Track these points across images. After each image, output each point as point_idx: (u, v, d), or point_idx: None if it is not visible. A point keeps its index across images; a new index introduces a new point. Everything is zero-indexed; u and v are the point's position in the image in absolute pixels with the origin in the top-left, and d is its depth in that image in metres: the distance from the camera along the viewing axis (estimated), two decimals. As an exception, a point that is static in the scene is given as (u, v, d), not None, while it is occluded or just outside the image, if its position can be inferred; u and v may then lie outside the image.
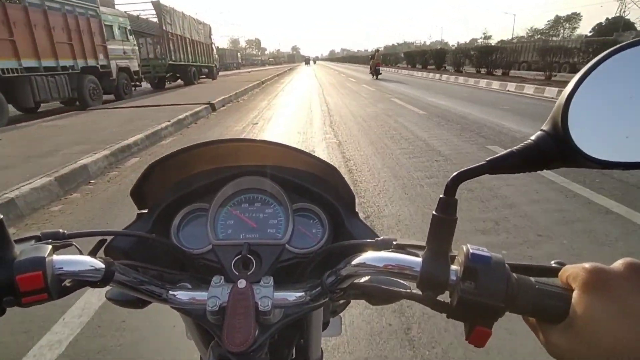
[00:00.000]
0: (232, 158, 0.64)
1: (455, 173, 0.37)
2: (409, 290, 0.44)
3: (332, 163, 0.62)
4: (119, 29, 12.06)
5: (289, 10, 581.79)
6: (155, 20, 15.58)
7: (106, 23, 11.19)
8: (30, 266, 0.37)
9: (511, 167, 0.36)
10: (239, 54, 68.75)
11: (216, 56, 24.87)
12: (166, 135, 6.40)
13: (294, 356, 0.66)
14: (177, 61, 16.69)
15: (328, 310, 0.72)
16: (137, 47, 13.66)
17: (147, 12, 15.82)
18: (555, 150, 0.34)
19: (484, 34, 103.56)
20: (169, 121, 6.76)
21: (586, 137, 0.32)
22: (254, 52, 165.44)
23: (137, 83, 13.57)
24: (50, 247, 0.41)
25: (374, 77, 21.63)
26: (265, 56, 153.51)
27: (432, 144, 5.39)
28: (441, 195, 0.38)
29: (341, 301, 0.72)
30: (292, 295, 0.49)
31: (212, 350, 0.49)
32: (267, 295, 0.47)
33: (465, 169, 0.37)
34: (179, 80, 18.56)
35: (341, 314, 0.80)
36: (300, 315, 0.49)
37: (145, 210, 0.61)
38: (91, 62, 10.39)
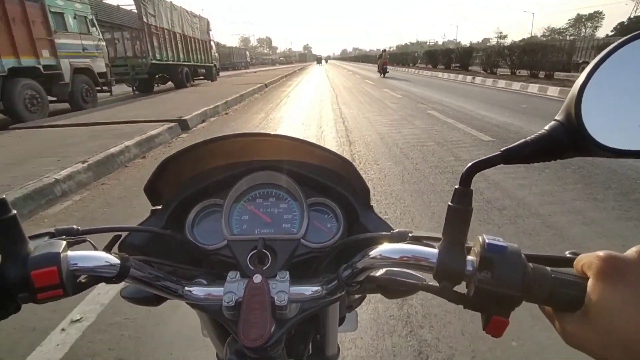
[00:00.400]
0: (245, 153, 0.64)
1: (470, 163, 0.38)
2: (425, 282, 0.45)
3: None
4: (74, 18, 9.32)
5: (301, 9, 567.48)
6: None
7: (53, 9, 8.55)
8: (44, 262, 0.37)
9: (525, 157, 0.37)
10: (247, 52, 63.04)
11: (216, 55, 22.07)
12: (54, 200, 3.43)
13: (310, 352, 0.69)
14: (163, 60, 14.09)
15: (344, 305, 0.71)
16: (103, 43, 10.96)
17: (132, 5, 13.17)
18: (569, 140, 0.34)
19: (499, 33, 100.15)
20: (85, 162, 4.05)
21: (599, 126, 0.33)
22: (265, 51, 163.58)
23: (105, 87, 10.92)
24: (64, 242, 0.41)
25: (382, 75, 22.59)
26: (276, 55, 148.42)
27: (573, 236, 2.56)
28: (456, 186, 0.38)
29: (357, 296, 0.72)
30: (309, 290, 0.49)
31: (229, 346, 0.51)
32: (284, 289, 0.47)
33: (480, 159, 0.38)
34: (171, 83, 16.09)
35: (357, 309, 0.78)
36: (317, 310, 0.50)
37: (159, 207, 0.61)
38: (27, 60, 7.79)
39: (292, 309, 0.48)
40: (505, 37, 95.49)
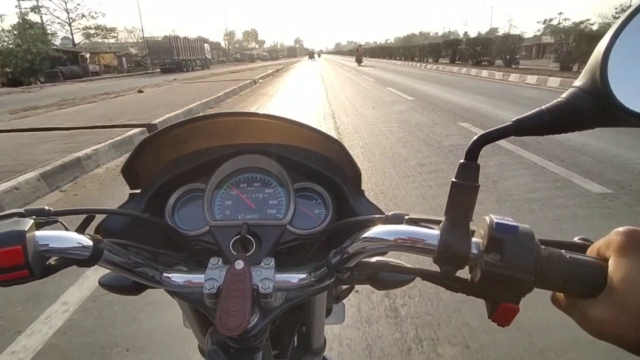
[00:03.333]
0: (229, 135, 0.63)
1: (477, 135, 0.36)
2: (422, 268, 0.43)
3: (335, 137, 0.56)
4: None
5: (291, 1, 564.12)
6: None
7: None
8: (8, 240, 0.37)
9: (540, 128, 0.35)
10: (206, 46, 44.27)
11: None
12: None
13: (295, 344, 0.70)
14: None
15: (331, 296, 0.70)
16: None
17: None
18: (592, 107, 0.33)
19: (509, 21, 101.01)
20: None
21: (628, 91, 0.31)
22: (252, 45, 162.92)
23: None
24: (31, 221, 0.40)
25: (358, 64, 31.71)
26: (259, 50, 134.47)
27: None
28: (461, 160, 0.37)
29: (344, 287, 0.73)
30: (295, 277, 0.48)
31: (210, 336, 0.50)
32: (268, 277, 0.47)
33: (489, 130, 0.36)
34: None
35: (344, 301, 0.79)
36: (304, 299, 0.50)
37: (138, 191, 0.61)
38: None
39: (278, 297, 0.48)
40: (515, 27, 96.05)
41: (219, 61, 65.31)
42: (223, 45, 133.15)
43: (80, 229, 0.47)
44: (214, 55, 65.92)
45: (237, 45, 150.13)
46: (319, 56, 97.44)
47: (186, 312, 0.62)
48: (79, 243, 0.42)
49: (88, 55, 37.35)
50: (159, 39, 37.56)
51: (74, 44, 45.28)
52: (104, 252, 0.43)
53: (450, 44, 29.47)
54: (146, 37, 41.79)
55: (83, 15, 47.04)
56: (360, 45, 37.08)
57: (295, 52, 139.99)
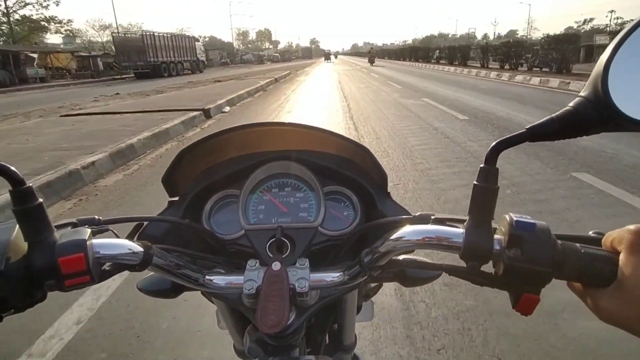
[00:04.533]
0: (260, 143, 0.67)
1: (495, 142, 0.40)
2: (449, 264, 0.46)
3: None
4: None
5: (307, 2, 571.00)
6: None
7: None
8: (72, 248, 0.40)
9: (551, 134, 0.39)
10: (199, 44, 36.87)
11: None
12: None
13: (327, 341, 0.75)
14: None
15: (361, 294, 0.72)
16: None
17: None
18: (596, 115, 0.36)
19: (530, 23, 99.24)
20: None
21: (628, 99, 0.35)
22: (266, 46, 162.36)
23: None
24: (89, 231, 0.43)
25: (371, 64, 36.12)
26: (270, 51, 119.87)
27: None
28: (481, 165, 0.41)
29: (373, 285, 0.77)
30: (329, 276, 0.51)
31: (249, 334, 0.55)
32: (304, 276, 0.50)
33: (505, 137, 0.39)
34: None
35: (372, 299, 0.82)
36: (337, 297, 0.52)
37: (176, 198, 0.65)
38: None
39: (312, 296, 0.50)
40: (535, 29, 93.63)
41: (221, 63, 57.81)
42: (235, 45, 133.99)
43: (130, 236, 0.53)
44: (216, 56, 57.82)
45: (250, 45, 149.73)
46: (336, 57, 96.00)
47: (223, 313, 0.64)
48: (130, 249, 0.45)
49: (36, 56, 28.21)
50: (130, 36, 29.94)
51: (14, 41, 36.76)
52: (153, 258, 0.46)
53: (476, 46, 28.86)
54: (113, 34, 32.83)
55: (25, 4, 39.09)
56: (371, 48, 44.53)
57: (311, 53, 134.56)
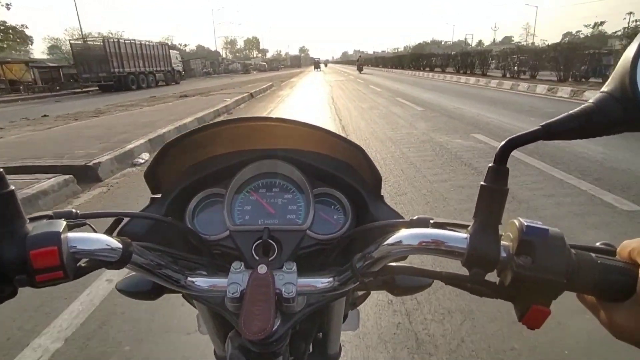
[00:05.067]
0: (248, 141, 0.65)
1: (506, 139, 0.37)
2: (447, 271, 0.44)
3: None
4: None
5: (297, 10, 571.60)
6: None
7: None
8: (44, 241, 0.38)
9: (568, 132, 0.36)
10: (174, 53, 33.15)
11: None
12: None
13: (311, 350, 0.71)
14: None
15: (348, 302, 0.70)
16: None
17: None
18: (620, 113, 0.34)
19: (526, 28, 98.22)
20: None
21: None
22: (254, 54, 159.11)
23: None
24: (64, 223, 0.41)
25: (359, 71, 37.48)
26: (257, 59, 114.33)
27: None
28: (490, 164, 0.38)
29: (360, 293, 0.74)
30: (318, 282, 0.49)
31: (231, 340, 0.53)
32: (291, 281, 0.48)
33: (517, 135, 0.37)
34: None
35: (359, 308, 0.80)
36: (324, 304, 0.51)
37: (159, 195, 0.63)
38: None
39: (299, 302, 0.49)
40: (534, 35, 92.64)
41: (204, 73, 53.55)
42: (223, 54, 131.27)
43: (109, 232, 0.50)
44: (198, 65, 53.55)
45: (238, 54, 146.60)
46: (326, 66, 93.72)
47: (205, 317, 0.61)
48: (108, 245, 0.42)
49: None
50: (91, 44, 25.94)
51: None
52: (133, 255, 0.44)
53: (481, 52, 26.05)
54: (71, 42, 27.42)
55: None
56: (360, 56, 46.55)
57: (300, 61, 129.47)
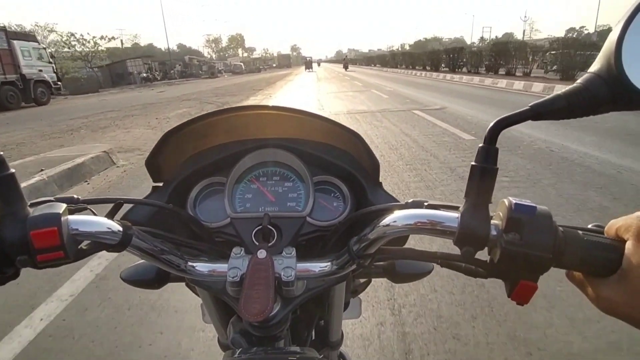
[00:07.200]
0: (248, 130, 0.67)
1: (495, 120, 0.39)
2: (443, 252, 0.46)
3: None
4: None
5: (287, 6, 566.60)
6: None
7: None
8: (45, 222, 0.39)
9: (557, 112, 0.38)
10: (34, 48, 17.85)
11: None
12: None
13: (313, 338, 0.74)
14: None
15: (349, 290, 0.72)
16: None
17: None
18: (607, 92, 0.35)
19: (530, 24, 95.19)
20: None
21: None
22: (240, 53, 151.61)
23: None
24: (64, 205, 0.43)
25: (345, 69, 42.95)
26: (234, 59, 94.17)
27: None
28: (480, 144, 0.40)
29: (361, 280, 0.76)
30: (316, 266, 0.51)
31: (233, 325, 0.56)
32: (290, 265, 0.50)
33: (506, 115, 0.39)
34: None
35: (360, 296, 0.82)
36: (324, 288, 0.53)
37: (161, 184, 0.65)
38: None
39: (299, 287, 0.51)
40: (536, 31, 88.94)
41: (142, 79, 40.07)
42: (206, 54, 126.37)
43: (109, 215, 0.50)
44: (138, 68, 40.70)
45: (222, 53, 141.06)
46: (319, 65, 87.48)
47: (208, 305, 0.63)
48: (109, 228, 0.44)
49: None
50: None
51: None
52: (133, 238, 0.46)
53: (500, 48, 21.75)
54: None
55: None
56: (346, 56, 57.37)
57: (289, 60, 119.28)
